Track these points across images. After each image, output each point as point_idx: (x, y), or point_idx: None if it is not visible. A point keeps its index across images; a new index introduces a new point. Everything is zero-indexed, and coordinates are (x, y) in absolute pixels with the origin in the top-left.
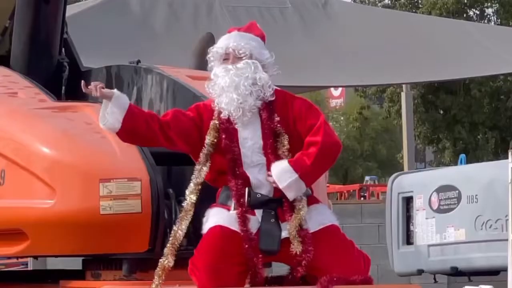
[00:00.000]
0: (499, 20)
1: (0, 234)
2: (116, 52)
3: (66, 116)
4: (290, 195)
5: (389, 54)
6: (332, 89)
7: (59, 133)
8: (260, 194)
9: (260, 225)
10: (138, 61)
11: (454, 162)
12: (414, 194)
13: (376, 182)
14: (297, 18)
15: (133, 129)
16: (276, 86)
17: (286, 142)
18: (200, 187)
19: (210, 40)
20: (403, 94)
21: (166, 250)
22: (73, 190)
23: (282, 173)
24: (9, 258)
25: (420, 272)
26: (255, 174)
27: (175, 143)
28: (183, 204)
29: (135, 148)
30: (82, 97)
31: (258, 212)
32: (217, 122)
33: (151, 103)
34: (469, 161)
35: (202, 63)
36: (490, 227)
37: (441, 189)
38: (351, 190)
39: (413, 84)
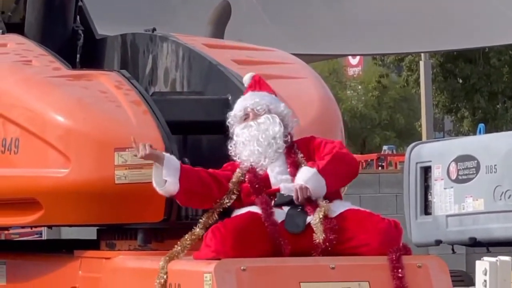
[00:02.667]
0: None
1: (14, 203)
2: (131, 20)
3: (81, 84)
4: (312, 189)
5: (407, 22)
6: (350, 57)
7: (74, 101)
8: (287, 194)
9: (286, 212)
10: (154, 29)
11: (473, 131)
12: (433, 164)
13: (394, 152)
14: None
15: (190, 188)
16: (295, 54)
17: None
18: (216, 217)
19: (227, 8)
20: (421, 63)
21: (164, 259)
22: (87, 159)
23: (301, 173)
24: (23, 227)
25: (438, 242)
26: (283, 183)
27: (223, 185)
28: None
29: (150, 117)
30: (97, 65)
31: (285, 208)
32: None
33: (166, 71)
34: (488, 130)
35: (218, 32)
36: (509, 197)
37: (460, 159)
38: (369, 160)
39: (432, 53)
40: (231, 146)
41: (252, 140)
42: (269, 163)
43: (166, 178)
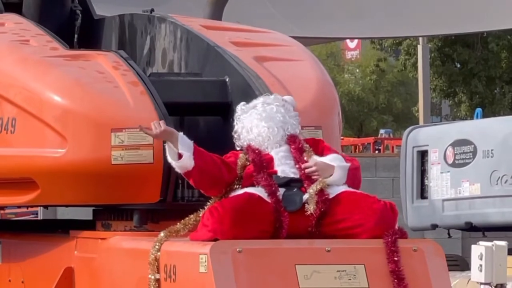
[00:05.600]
0: None
1: (10, 183)
2: (130, 1)
3: (79, 64)
4: (336, 176)
5: (406, 6)
6: (348, 41)
7: (71, 81)
8: (283, 176)
9: (283, 193)
10: (152, 10)
11: (470, 116)
12: (429, 148)
13: (391, 136)
14: None
15: (203, 166)
16: (293, 36)
17: (312, 154)
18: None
19: None
20: (419, 47)
21: (164, 232)
22: (84, 140)
23: (334, 158)
24: (19, 207)
25: (434, 227)
26: (282, 168)
27: (231, 168)
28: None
29: (147, 98)
30: (95, 45)
31: (282, 190)
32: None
33: (164, 52)
34: (485, 115)
35: (216, 13)
36: (505, 182)
37: (457, 143)
38: (366, 143)
39: (430, 37)
40: (235, 135)
41: (263, 117)
42: (273, 146)
43: (182, 151)
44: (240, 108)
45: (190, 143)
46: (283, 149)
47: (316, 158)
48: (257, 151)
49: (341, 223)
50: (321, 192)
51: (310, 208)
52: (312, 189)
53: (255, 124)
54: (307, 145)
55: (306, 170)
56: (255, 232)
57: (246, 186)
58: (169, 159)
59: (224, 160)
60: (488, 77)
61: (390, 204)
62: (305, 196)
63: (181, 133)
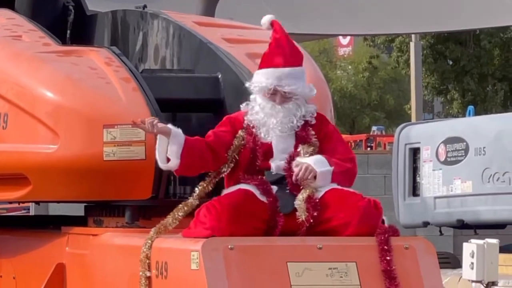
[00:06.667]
0: None
1: (2, 179)
2: None
3: (71, 60)
4: (318, 182)
5: (398, 3)
6: (340, 37)
7: (63, 77)
8: (275, 172)
9: (276, 192)
10: (145, 6)
11: (462, 113)
12: (421, 145)
13: (383, 133)
14: None
15: (189, 163)
16: None
17: (310, 150)
18: (211, 188)
19: None
20: (412, 44)
21: (154, 229)
22: (76, 136)
23: (318, 161)
24: (11, 203)
25: (425, 224)
26: (277, 163)
27: (220, 156)
28: (189, 199)
29: (140, 94)
30: (87, 41)
31: (274, 188)
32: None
33: (156, 49)
34: (477, 112)
35: (209, 10)
36: (497, 180)
37: (449, 141)
38: (358, 140)
39: (423, 34)
40: (249, 107)
41: (278, 124)
42: (278, 136)
43: (170, 156)
44: (256, 78)
45: (180, 141)
46: (288, 139)
47: (300, 161)
48: (255, 141)
49: (328, 222)
50: (309, 198)
51: (302, 216)
52: (299, 199)
53: (271, 126)
54: (314, 135)
55: (294, 176)
56: (249, 228)
57: (240, 174)
58: (157, 156)
59: (214, 148)
60: (481, 74)
61: (374, 201)
62: (295, 203)
63: (173, 131)
